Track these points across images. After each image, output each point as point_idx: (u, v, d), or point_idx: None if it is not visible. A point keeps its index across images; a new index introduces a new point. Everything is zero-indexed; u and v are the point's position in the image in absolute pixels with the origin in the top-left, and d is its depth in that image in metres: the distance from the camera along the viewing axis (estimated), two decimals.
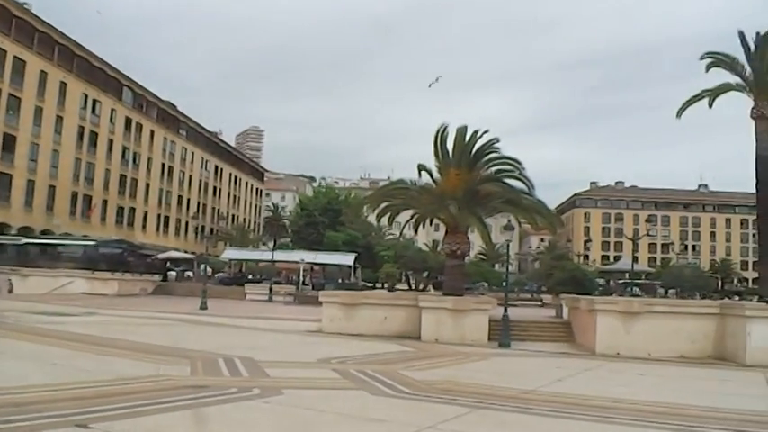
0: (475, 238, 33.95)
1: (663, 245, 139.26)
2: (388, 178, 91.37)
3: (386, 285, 72.26)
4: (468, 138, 30.13)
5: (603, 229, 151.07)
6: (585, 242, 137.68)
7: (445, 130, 30.61)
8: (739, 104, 29.67)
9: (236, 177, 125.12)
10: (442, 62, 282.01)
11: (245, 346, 19.99)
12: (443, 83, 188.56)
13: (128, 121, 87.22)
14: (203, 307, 37.95)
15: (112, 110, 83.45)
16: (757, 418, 12.48)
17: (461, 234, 30.37)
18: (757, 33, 29.22)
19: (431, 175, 31.24)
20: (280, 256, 66.45)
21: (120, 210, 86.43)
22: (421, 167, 31.11)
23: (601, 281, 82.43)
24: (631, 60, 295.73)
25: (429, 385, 14.64)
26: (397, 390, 13.84)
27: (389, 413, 11.47)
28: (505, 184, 30.63)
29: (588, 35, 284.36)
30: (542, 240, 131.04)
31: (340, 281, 66.55)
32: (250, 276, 73.01)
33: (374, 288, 69.62)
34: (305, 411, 11.16)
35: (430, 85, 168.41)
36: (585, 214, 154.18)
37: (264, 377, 14.66)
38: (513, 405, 12.68)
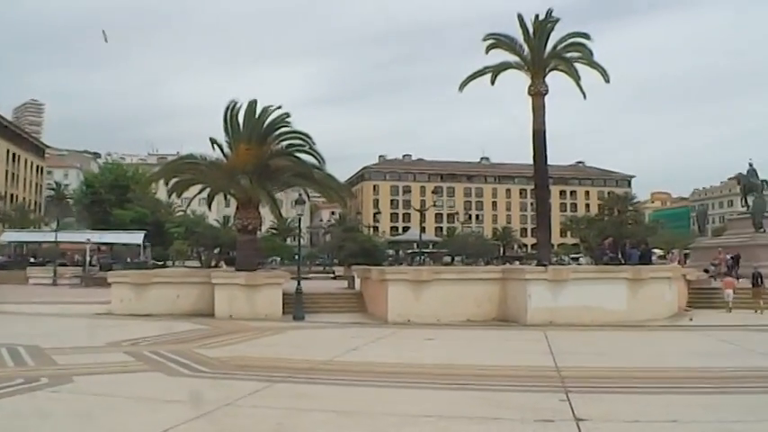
0: (266, 213, 33.94)
1: (449, 215, 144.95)
2: (177, 153, 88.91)
3: (176, 263, 70.79)
4: (258, 113, 30.00)
5: (392, 201, 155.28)
6: (375, 214, 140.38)
7: (235, 105, 30.33)
8: (518, 82, 31.46)
9: (14, 154, 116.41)
10: (236, 35, 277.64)
11: (30, 334, 18.96)
12: (236, 55, 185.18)
13: None
14: None
15: None
16: (540, 372, 13.44)
17: (253, 209, 30.25)
18: (536, 16, 31.06)
19: (222, 150, 30.83)
20: (64, 236, 63.18)
21: None
22: (213, 141, 30.62)
23: (391, 251, 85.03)
24: (423, 37, 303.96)
25: (225, 362, 14.64)
26: (194, 369, 13.74)
27: (187, 393, 11.34)
28: (296, 158, 30.80)
29: (381, 11, 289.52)
30: (333, 213, 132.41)
31: (129, 260, 64.49)
32: (32, 259, 68.93)
33: (165, 266, 68.07)
34: (98, 398, 10.82)
35: (106, 40, 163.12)
36: (375, 187, 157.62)
37: (52, 365, 14.03)
38: (310, 376, 12.94)
